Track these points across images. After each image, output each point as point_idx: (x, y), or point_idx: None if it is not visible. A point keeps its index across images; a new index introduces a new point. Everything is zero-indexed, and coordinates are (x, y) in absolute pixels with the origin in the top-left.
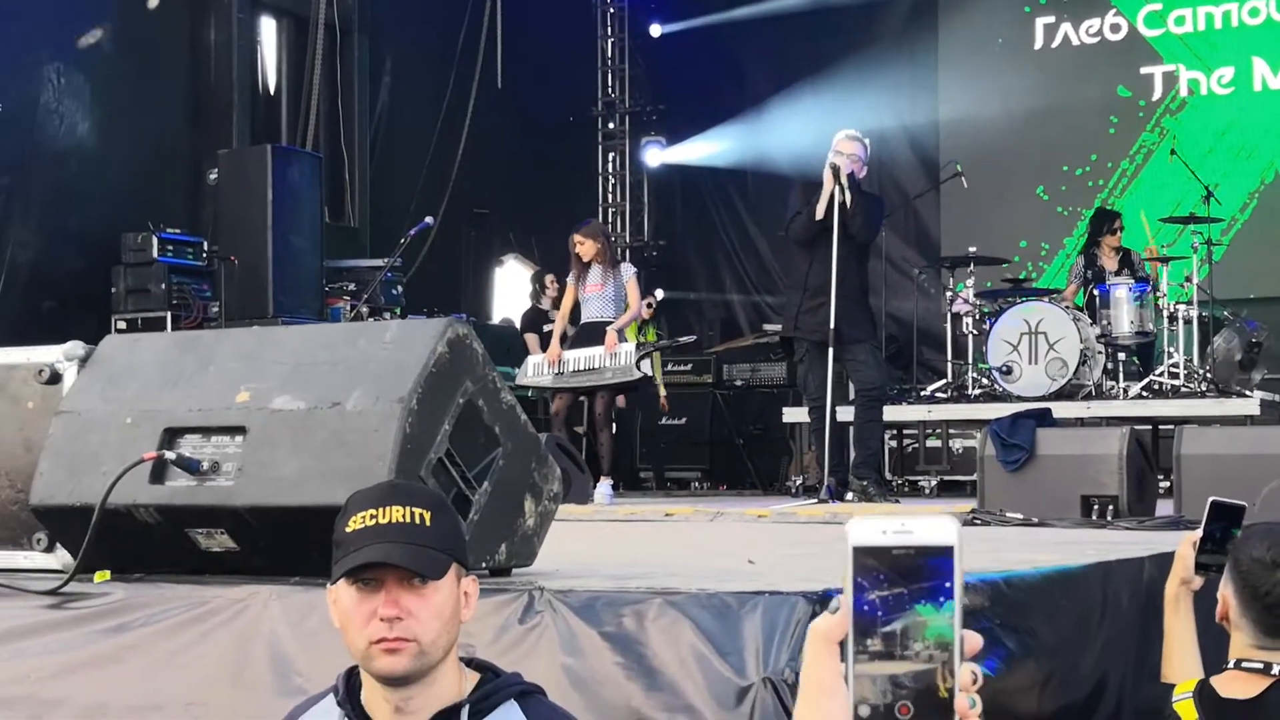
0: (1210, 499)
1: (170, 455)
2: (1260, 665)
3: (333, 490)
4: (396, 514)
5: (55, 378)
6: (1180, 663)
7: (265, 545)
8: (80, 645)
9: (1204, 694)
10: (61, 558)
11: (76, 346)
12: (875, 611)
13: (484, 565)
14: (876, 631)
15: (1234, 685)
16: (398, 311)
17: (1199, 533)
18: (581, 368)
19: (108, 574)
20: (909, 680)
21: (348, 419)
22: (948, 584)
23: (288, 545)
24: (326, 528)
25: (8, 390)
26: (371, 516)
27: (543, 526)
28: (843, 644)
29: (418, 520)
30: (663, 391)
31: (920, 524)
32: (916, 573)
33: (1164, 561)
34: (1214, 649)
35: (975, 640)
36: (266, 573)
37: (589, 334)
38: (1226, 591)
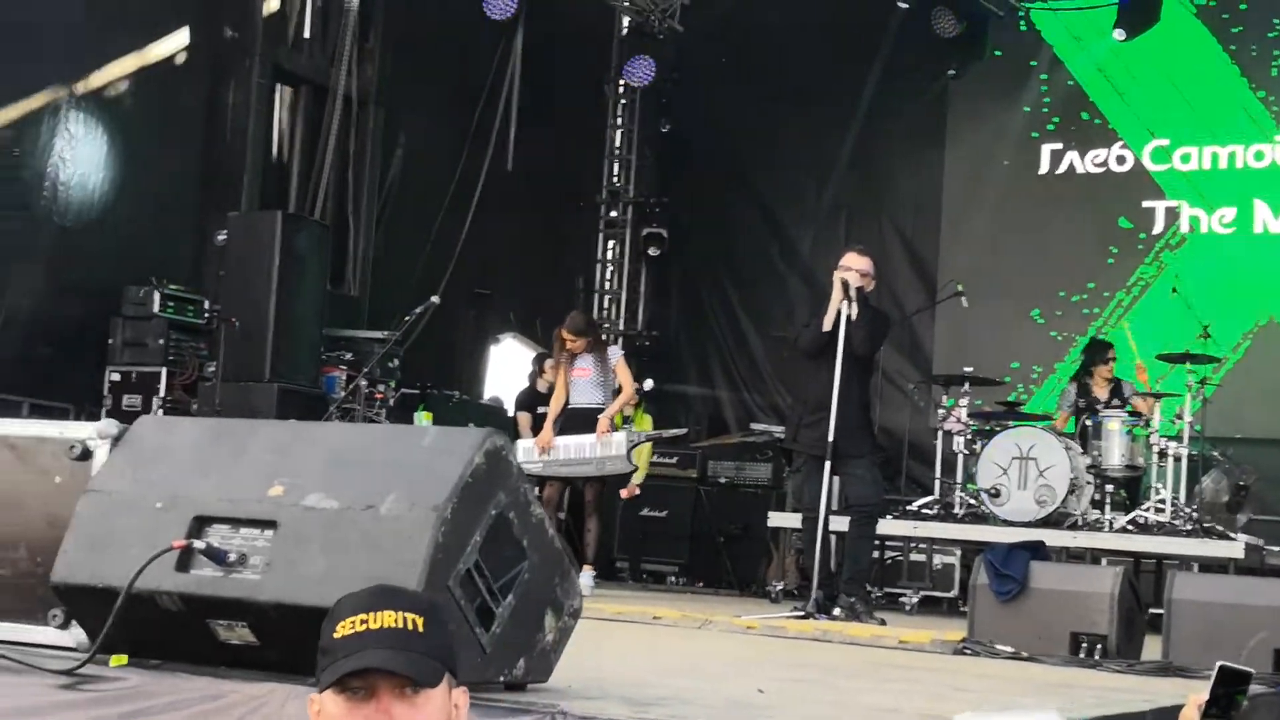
0: (1219, 663)
1: (199, 544)
2: None
3: None
4: (388, 619)
5: (86, 454)
6: None
7: (285, 643)
8: None
9: None
10: (76, 636)
11: (110, 425)
12: None
13: (501, 680)
14: None
15: None
16: (392, 385)
17: (1205, 695)
18: (573, 456)
19: (125, 658)
20: None
21: (381, 522)
22: None
23: (308, 645)
24: None
25: (36, 463)
26: (362, 622)
27: (561, 642)
28: None
29: (410, 626)
30: (638, 477)
31: None
32: None
33: (1165, 716)
34: None
35: None
36: (283, 670)
37: (578, 420)
38: None
